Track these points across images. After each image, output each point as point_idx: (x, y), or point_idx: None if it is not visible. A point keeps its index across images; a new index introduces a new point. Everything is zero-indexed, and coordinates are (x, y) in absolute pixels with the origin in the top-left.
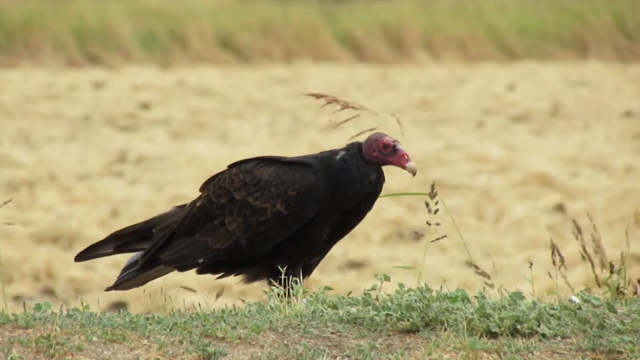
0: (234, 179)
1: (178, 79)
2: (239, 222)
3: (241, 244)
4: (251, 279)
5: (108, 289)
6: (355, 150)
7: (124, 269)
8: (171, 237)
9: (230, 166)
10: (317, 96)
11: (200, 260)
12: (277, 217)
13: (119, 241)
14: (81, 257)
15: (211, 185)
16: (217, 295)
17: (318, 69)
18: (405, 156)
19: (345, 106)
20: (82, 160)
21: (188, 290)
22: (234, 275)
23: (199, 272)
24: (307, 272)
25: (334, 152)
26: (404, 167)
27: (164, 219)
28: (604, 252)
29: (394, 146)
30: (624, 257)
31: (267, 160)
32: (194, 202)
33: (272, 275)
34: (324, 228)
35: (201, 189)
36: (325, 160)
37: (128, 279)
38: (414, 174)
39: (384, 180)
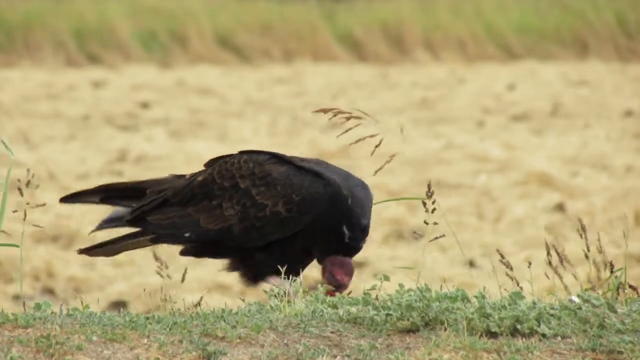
0: (242, 166)
1: (178, 79)
2: (237, 209)
3: (233, 231)
4: (234, 268)
5: (81, 252)
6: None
7: (106, 221)
8: (163, 203)
9: (242, 152)
10: (325, 111)
11: (187, 235)
12: (275, 216)
13: (106, 194)
14: (67, 199)
15: (217, 164)
16: (182, 278)
17: (318, 69)
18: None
19: (350, 117)
20: (81, 160)
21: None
22: (209, 256)
23: (182, 252)
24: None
25: (355, 214)
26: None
27: (159, 184)
28: (604, 252)
29: (339, 285)
30: (606, 257)
31: (281, 159)
32: (195, 175)
33: (263, 270)
34: (315, 239)
35: (206, 165)
36: (344, 185)
37: (105, 244)
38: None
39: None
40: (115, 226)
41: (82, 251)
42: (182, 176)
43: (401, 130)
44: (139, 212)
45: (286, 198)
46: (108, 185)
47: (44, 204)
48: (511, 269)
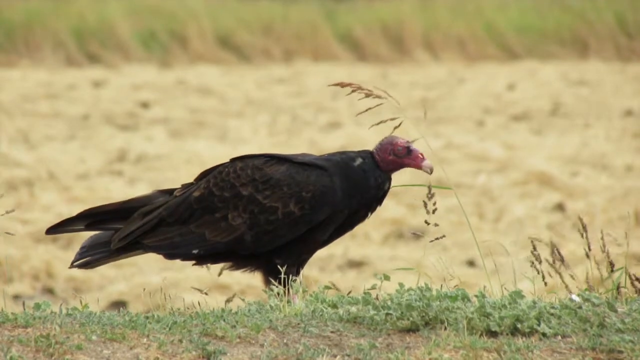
0: (240, 174)
1: (178, 78)
2: (245, 218)
3: (245, 240)
4: (239, 267)
5: (74, 267)
6: (370, 158)
7: (90, 247)
8: (159, 223)
9: (234, 160)
10: (342, 85)
11: (195, 251)
12: (289, 217)
13: (91, 219)
14: (52, 230)
15: (211, 176)
16: (228, 301)
17: (318, 68)
18: (421, 156)
19: (369, 94)
20: (81, 159)
21: (199, 292)
22: (211, 263)
23: (184, 259)
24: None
25: (349, 157)
26: (420, 168)
27: (143, 202)
28: (608, 251)
29: (408, 147)
30: (609, 256)
31: (277, 159)
32: (188, 190)
33: (268, 271)
34: (329, 230)
35: (197, 180)
36: (341, 165)
37: (99, 259)
38: (431, 172)
39: (390, 188)
40: (101, 256)
41: (74, 267)
42: (167, 191)
43: (425, 115)
44: (131, 237)
45: (296, 197)
46: (91, 209)
47: (12, 210)
48: (540, 262)
